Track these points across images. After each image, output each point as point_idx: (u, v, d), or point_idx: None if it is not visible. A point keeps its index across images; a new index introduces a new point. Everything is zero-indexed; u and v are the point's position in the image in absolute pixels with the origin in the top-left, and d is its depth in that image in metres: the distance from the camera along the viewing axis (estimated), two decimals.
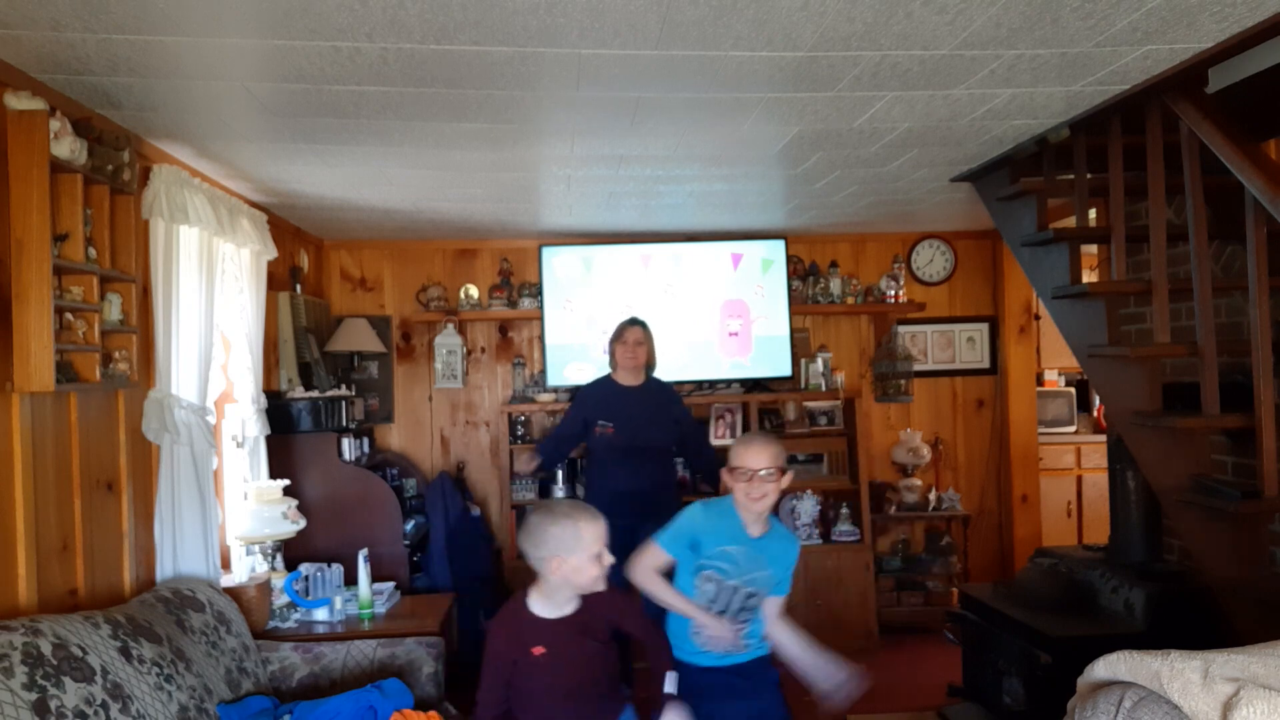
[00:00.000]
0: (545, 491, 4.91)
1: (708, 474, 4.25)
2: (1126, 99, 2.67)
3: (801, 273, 5.34)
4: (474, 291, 5.16)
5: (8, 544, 2.24)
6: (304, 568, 3.53)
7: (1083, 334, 3.05)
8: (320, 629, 3.28)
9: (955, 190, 4.07)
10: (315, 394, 4.08)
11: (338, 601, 3.41)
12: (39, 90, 2.32)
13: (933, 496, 5.24)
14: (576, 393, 4.29)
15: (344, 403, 4.20)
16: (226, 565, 3.48)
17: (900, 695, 4.15)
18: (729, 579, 2.42)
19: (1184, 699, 1.48)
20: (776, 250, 5.05)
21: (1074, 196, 3.05)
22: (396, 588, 3.73)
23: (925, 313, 5.45)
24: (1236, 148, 2.36)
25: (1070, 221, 3.35)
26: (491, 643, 2.25)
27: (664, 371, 4.08)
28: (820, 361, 5.15)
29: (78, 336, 2.45)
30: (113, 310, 2.65)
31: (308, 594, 3.48)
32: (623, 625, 2.34)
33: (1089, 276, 4.39)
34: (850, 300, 5.31)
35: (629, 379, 3.95)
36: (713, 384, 5.06)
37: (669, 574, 2.50)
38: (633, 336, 3.94)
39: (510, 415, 5.01)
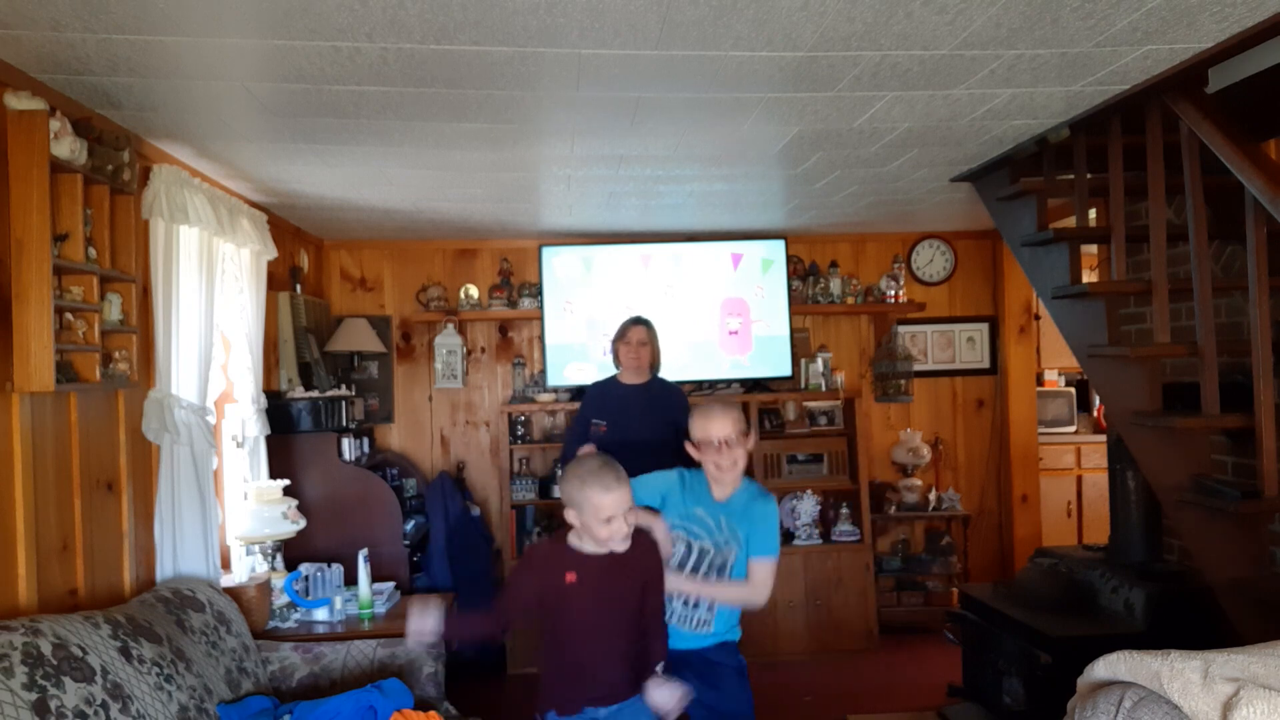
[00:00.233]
0: (545, 492, 4.91)
1: None
2: (1126, 99, 2.67)
3: (801, 273, 5.34)
4: (474, 291, 5.16)
5: (8, 544, 2.24)
6: (304, 568, 3.53)
7: (1083, 334, 3.05)
8: (320, 629, 3.28)
9: (955, 190, 4.07)
10: (315, 394, 4.08)
11: (338, 601, 3.41)
12: (39, 90, 2.32)
13: (933, 496, 5.24)
14: (581, 393, 4.26)
15: (344, 403, 4.20)
16: (226, 565, 3.48)
17: (900, 695, 4.15)
18: (696, 539, 2.46)
19: (1184, 699, 1.48)
20: (776, 250, 5.05)
21: (1074, 196, 3.05)
22: (396, 588, 3.73)
23: (925, 313, 5.45)
24: (1236, 148, 2.36)
25: (1070, 221, 3.35)
26: (525, 559, 2.36)
27: (664, 372, 4.04)
28: (820, 361, 5.16)
29: (78, 336, 2.45)
30: (113, 310, 2.65)
31: (308, 594, 3.48)
32: (645, 592, 2.35)
33: (1089, 276, 4.39)
34: (850, 300, 5.31)
35: (632, 378, 3.92)
36: (713, 384, 5.06)
37: None
38: (636, 336, 3.88)
39: (510, 415, 5.01)
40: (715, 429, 2.43)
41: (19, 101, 2.21)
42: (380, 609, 3.48)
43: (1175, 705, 1.49)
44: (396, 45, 2.17)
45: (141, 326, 2.83)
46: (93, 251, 2.51)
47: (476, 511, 4.94)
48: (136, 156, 2.80)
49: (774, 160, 3.48)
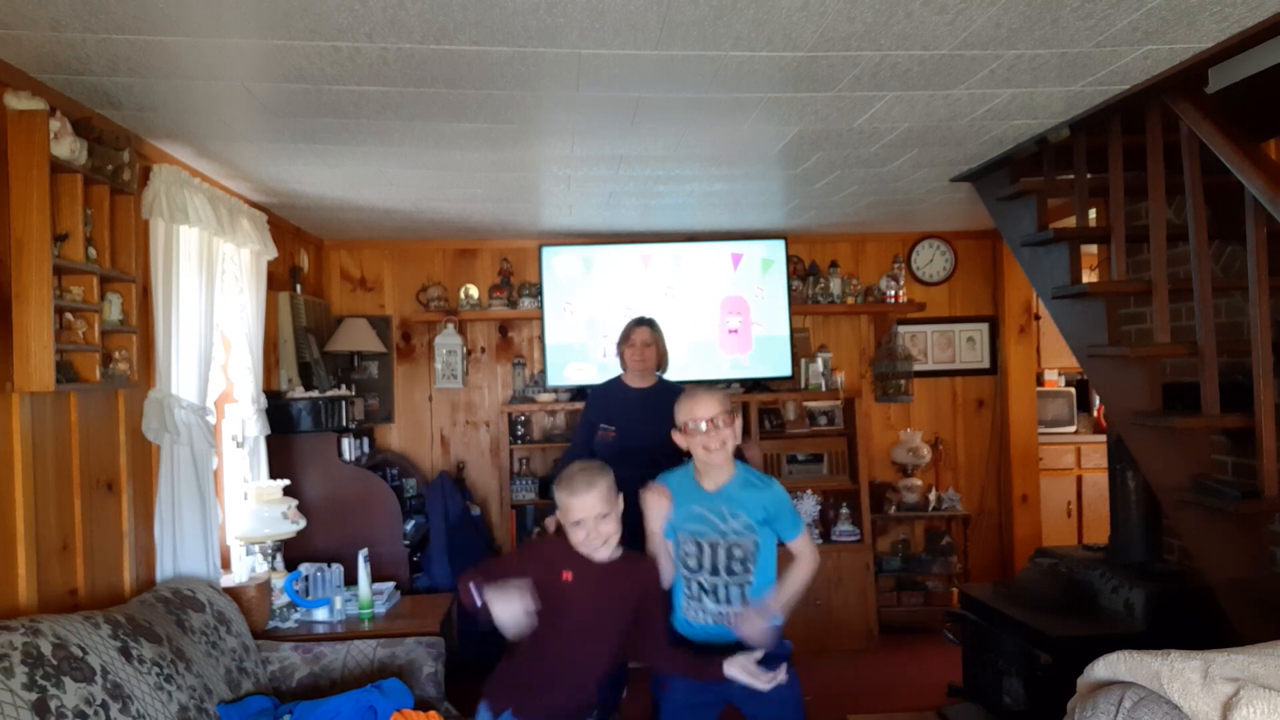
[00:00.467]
0: (546, 492, 4.91)
1: None
2: (1126, 99, 2.67)
3: (801, 273, 5.34)
4: (474, 291, 5.16)
5: (8, 544, 2.24)
6: (304, 568, 3.53)
7: (1083, 334, 3.05)
8: (320, 629, 3.28)
9: (955, 190, 4.07)
10: (315, 394, 4.08)
11: (338, 601, 3.41)
12: (39, 90, 2.32)
13: (933, 496, 5.24)
14: (585, 395, 4.15)
15: (344, 403, 4.20)
16: (226, 565, 3.48)
17: (900, 695, 4.15)
18: (704, 537, 2.42)
19: (1184, 699, 1.48)
20: (776, 250, 5.05)
21: (1074, 196, 3.05)
22: (396, 588, 3.73)
23: (925, 313, 5.45)
24: (1236, 148, 2.36)
25: (1070, 221, 3.35)
26: (528, 548, 2.35)
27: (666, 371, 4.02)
28: (820, 361, 5.16)
29: (78, 336, 2.45)
30: (113, 310, 2.65)
31: (308, 594, 3.48)
32: (643, 601, 2.35)
33: (1089, 276, 4.39)
34: (850, 300, 5.31)
35: (638, 381, 3.81)
36: (713, 384, 5.05)
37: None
38: (640, 338, 3.77)
39: (510, 415, 5.01)
40: (700, 409, 2.43)
41: (19, 101, 2.21)
42: (380, 609, 3.48)
43: (1175, 705, 1.49)
44: (396, 45, 2.17)
45: (141, 326, 2.83)
46: (93, 251, 2.51)
47: (476, 511, 4.94)
48: (136, 156, 2.80)
49: (774, 160, 3.47)
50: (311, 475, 3.98)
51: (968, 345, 5.56)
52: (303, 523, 3.49)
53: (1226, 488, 2.49)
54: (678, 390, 3.99)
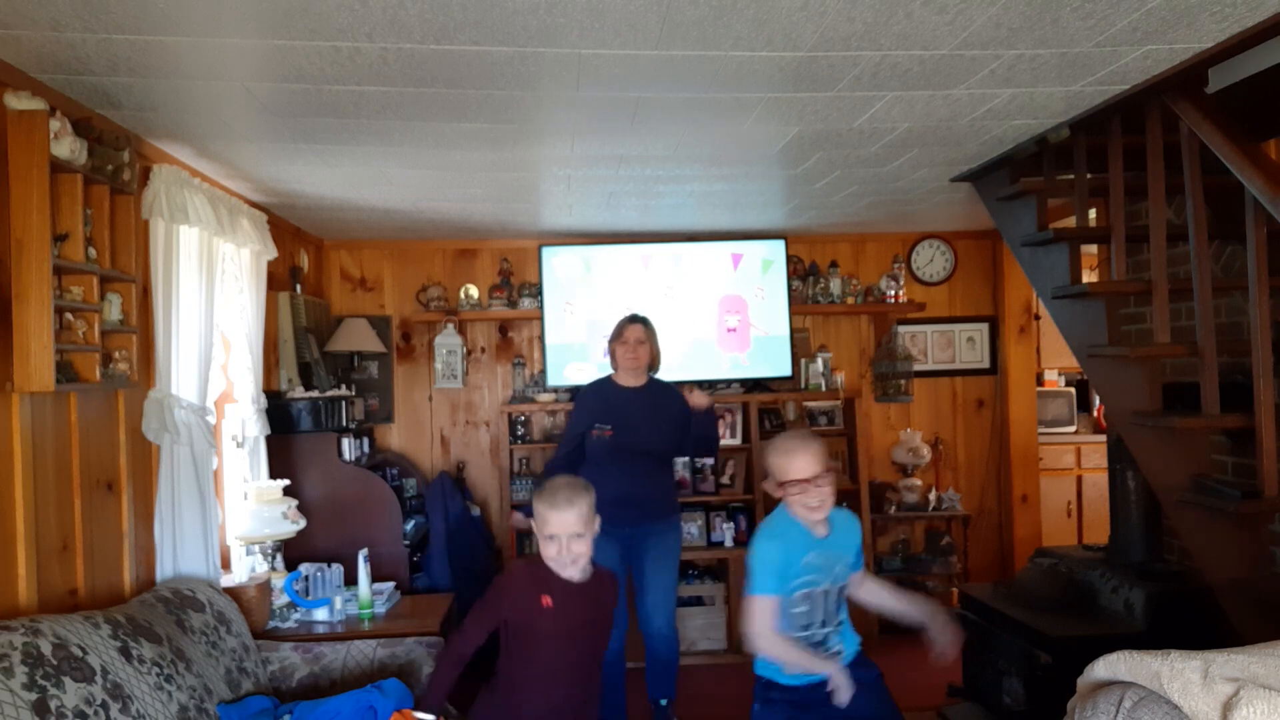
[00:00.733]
0: None
1: (703, 447, 3.95)
2: (1126, 99, 2.67)
3: (801, 273, 5.34)
4: (474, 291, 5.16)
5: (8, 544, 2.24)
6: (304, 568, 3.53)
7: (1083, 334, 3.05)
8: (320, 629, 3.28)
9: (955, 190, 4.07)
10: (315, 394, 4.07)
11: (338, 601, 3.41)
12: (39, 90, 2.32)
13: (933, 496, 5.24)
14: (576, 395, 4.14)
15: (344, 403, 4.20)
16: (226, 565, 3.48)
17: (900, 695, 4.12)
18: (818, 586, 2.32)
19: (1184, 699, 1.48)
20: (776, 250, 5.05)
21: (1074, 196, 3.05)
22: (396, 588, 3.73)
23: (925, 313, 5.45)
24: (1236, 148, 2.36)
25: (1070, 221, 3.35)
26: (504, 578, 2.35)
27: (664, 371, 3.96)
28: (820, 361, 5.16)
29: (78, 336, 2.45)
30: (113, 310, 2.65)
31: (308, 594, 3.48)
32: (602, 610, 2.41)
33: (1089, 276, 4.39)
34: (850, 300, 5.31)
35: (630, 380, 3.78)
36: (713, 384, 5.05)
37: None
38: (633, 335, 3.72)
39: (510, 415, 5.01)
40: (798, 466, 2.25)
41: (19, 101, 2.21)
42: (380, 609, 3.48)
43: (1175, 705, 1.49)
44: (396, 45, 2.17)
45: (141, 326, 2.83)
46: (93, 251, 2.51)
47: (476, 511, 4.94)
48: (136, 156, 2.80)
49: (774, 160, 3.47)
50: (311, 475, 3.98)
51: (968, 345, 5.56)
52: (303, 523, 3.49)
53: (1226, 488, 2.49)
54: (672, 389, 3.98)
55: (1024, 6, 2.03)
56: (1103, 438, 5.21)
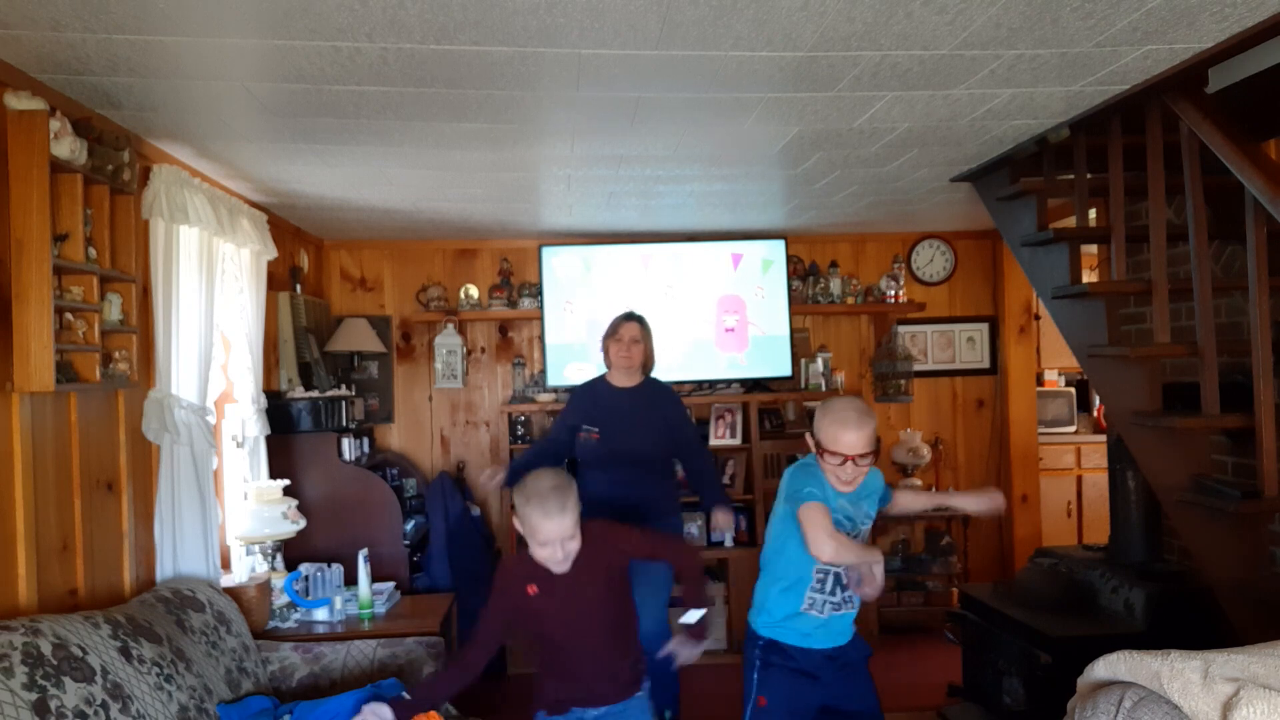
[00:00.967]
0: None
1: (700, 484, 3.76)
2: (1126, 99, 2.67)
3: (801, 273, 5.34)
4: (474, 291, 5.16)
5: (8, 544, 2.24)
6: (304, 568, 3.53)
7: (1083, 334, 3.05)
8: (320, 629, 3.28)
9: (955, 190, 4.07)
10: (315, 394, 4.08)
11: (338, 601, 3.41)
12: (39, 90, 2.32)
13: None
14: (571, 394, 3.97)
15: (344, 403, 4.20)
16: (226, 565, 3.48)
17: (900, 695, 4.15)
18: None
19: (1184, 699, 1.48)
20: (776, 250, 5.05)
21: (1074, 196, 3.05)
22: (396, 588, 3.73)
23: (925, 313, 5.45)
24: (1236, 148, 2.36)
25: (1070, 221, 3.35)
26: (495, 578, 2.36)
27: (663, 372, 3.89)
28: (820, 361, 5.16)
29: (78, 336, 2.45)
30: (113, 310, 2.65)
31: (308, 594, 3.48)
32: (635, 556, 2.36)
33: (1089, 276, 4.39)
34: (850, 300, 5.31)
35: (623, 380, 3.63)
36: (712, 384, 5.05)
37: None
38: (628, 333, 3.58)
39: (510, 415, 5.01)
40: (850, 443, 2.24)
41: (19, 101, 2.21)
42: (380, 609, 3.48)
43: (1175, 705, 1.49)
44: (396, 45, 2.17)
45: (141, 326, 2.83)
46: (93, 251, 2.51)
47: (476, 511, 4.94)
48: (136, 156, 2.80)
49: (774, 160, 3.47)
50: (311, 475, 3.98)
51: (968, 345, 5.56)
52: (303, 523, 3.49)
53: (1226, 488, 2.49)
54: (668, 390, 3.85)
55: (1024, 6, 2.03)
56: (1103, 438, 5.21)
